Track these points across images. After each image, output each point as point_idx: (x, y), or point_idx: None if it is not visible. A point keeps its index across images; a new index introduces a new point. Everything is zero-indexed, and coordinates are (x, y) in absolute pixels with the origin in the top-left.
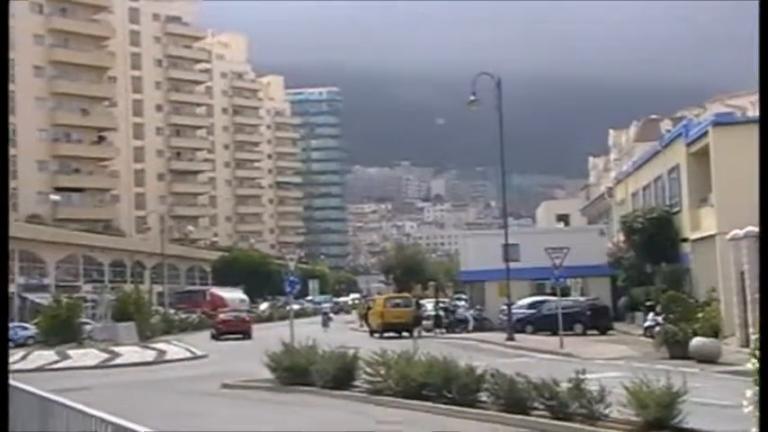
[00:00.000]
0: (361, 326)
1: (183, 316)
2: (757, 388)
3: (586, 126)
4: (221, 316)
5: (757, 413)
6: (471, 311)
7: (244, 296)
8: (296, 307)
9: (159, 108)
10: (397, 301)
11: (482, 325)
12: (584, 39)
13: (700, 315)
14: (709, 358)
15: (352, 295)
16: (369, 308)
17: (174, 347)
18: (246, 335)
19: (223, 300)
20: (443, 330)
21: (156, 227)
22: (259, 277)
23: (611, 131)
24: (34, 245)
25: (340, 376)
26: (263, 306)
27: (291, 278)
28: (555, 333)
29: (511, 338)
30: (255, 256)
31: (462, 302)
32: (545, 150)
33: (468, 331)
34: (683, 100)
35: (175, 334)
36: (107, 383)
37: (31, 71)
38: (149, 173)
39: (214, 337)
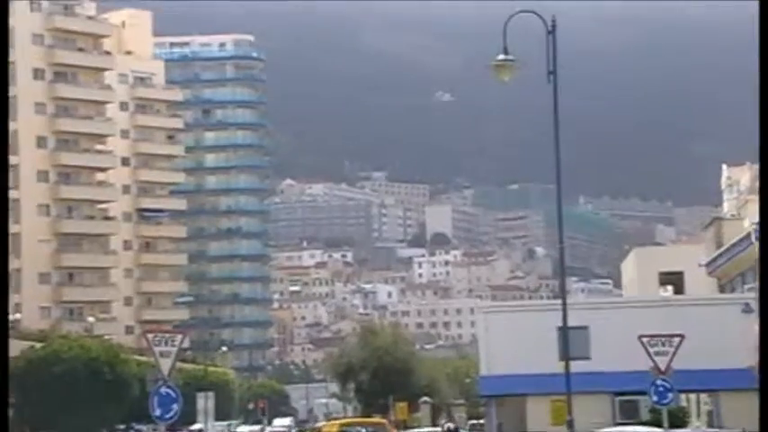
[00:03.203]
0: None
1: None
2: None
3: (716, 108)
4: None
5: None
6: None
7: None
8: None
9: None
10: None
11: None
12: None
13: None
14: None
15: (280, 421)
16: None
17: None
18: None
19: None
20: None
21: None
22: (102, 389)
23: None
24: None
25: None
26: None
27: (164, 390)
28: None
29: None
30: (95, 348)
31: None
32: (636, 153)
33: None
34: None
35: None
36: None
37: None
38: None
39: None
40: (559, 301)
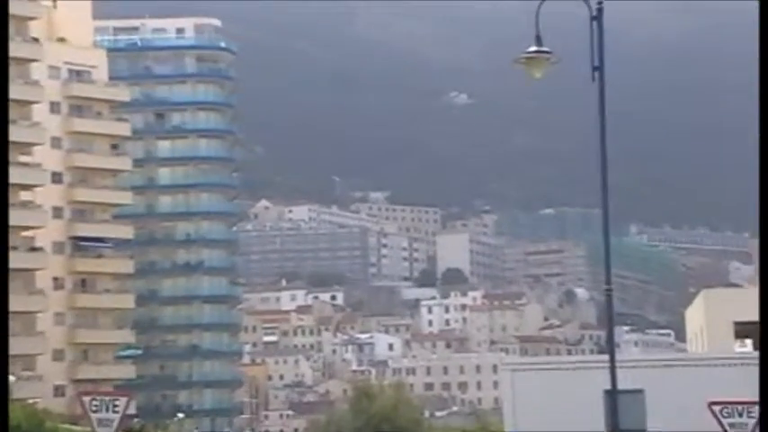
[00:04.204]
0: None
1: None
2: None
3: None
4: None
5: None
6: None
7: None
8: None
9: None
10: None
11: None
12: None
13: None
14: None
15: None
16: None
17: None
18: None
19: None
20: None
21: None
22: None
23: None
24: None
25: None
26: None
27: None
28: None
29: None
30: (15, 415)
31: None
32: (702, 170)
33: None
34: None
35: None
36: None
37: None
38: None
39: None
40: (606, 357)
